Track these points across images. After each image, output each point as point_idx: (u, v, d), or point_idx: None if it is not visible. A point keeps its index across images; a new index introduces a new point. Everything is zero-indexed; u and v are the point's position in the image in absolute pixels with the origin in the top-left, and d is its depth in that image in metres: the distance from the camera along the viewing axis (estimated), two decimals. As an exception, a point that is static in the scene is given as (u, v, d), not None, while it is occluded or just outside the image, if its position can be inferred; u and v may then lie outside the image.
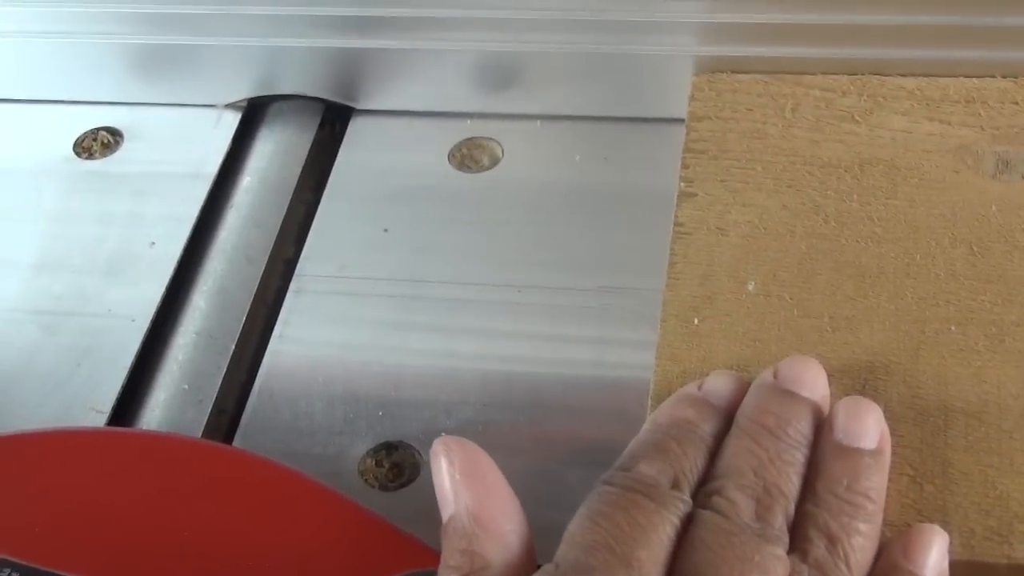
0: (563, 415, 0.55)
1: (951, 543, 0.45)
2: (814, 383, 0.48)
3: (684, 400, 0.48)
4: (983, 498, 0.47)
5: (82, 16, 0.67)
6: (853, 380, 0.50)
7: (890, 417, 0.48)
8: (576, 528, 0.44)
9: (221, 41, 0.66)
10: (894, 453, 0.48)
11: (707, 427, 0.47)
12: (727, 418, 0.48)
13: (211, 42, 0.67)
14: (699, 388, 0.49)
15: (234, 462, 0.52)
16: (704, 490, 0.45)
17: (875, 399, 0.49)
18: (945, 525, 0.46)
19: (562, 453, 0.54)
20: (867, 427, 0.46)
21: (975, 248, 0.54)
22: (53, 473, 0.52)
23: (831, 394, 0.48)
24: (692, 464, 0.46)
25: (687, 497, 0.45)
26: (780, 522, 0.44)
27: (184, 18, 0.66)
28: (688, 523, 0.44)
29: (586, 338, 0.57)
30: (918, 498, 0.47)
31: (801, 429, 0.46)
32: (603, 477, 0.46)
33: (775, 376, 0.48)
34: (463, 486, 0.45)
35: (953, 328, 0.51)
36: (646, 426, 0.48)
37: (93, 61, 0.69)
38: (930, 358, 0.51)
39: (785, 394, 0.47)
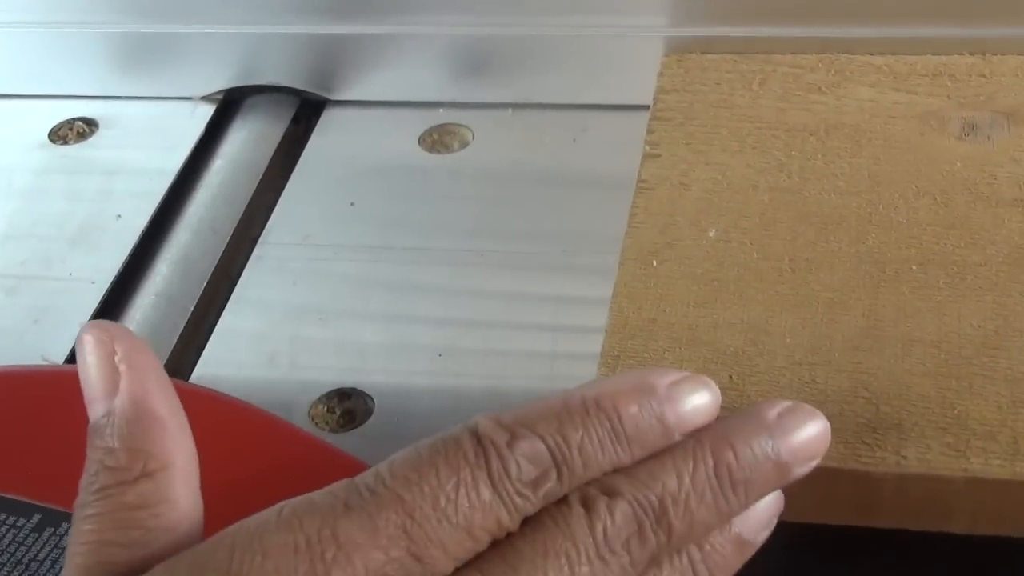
0: (519, 361, 0.54)
1: (906, 458, 0.44)
2: None
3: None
4: (941, 418, 0.45)
5: (62, 5, 0.67)
6: (812, 313, 0.49)
7: (847, 347, 0.48)
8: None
9: (199, 29, 0.67)
10: (851, 379, 0.46)
11: None
12: None
13: (189, 30, 0.67)
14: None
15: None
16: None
17: (833, 331, 0.48)
18: (902, 442, 0.45)
19: (517, 393, 0.53)
20: None
21: (938, 199, 0.53)
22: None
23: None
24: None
25: None
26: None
27: (162, 5, 0.66)
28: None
29: (545, 296, 0.57)
30: (873, 418, 0.45)
31: None
32: None
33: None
34: (128, 374, 0.36)
35: (914, 267, 0.51)
36: None
37: (71, 53, 0.69)
38: (890, 294, 0.50)
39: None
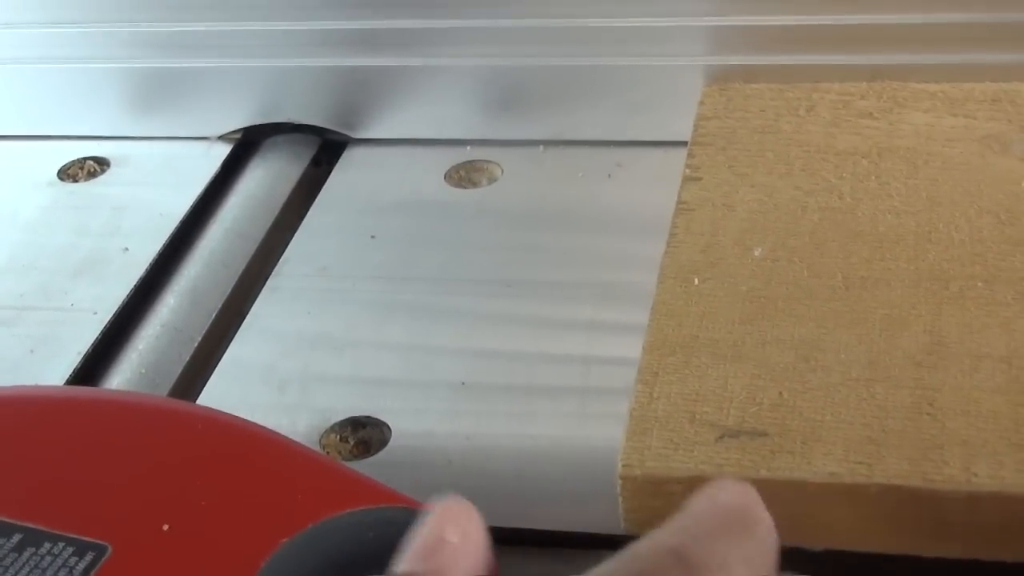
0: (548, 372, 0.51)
1: (977, 476, 0.40)
2: None
3: None
4: (1015, 434, 0.41)
5: (72, 40, 0.65)
6: (868, 329, 0.45)
7: (908, 363, 0.44)
8: None
9: (217, 63, 0.64)
10: (913, 395, 0.42)
11: None
12: None
13: (207, 64, 0.64)
14: None
15: (166, 413, 0.47)
16: None
17: (893, 347, 0.44)
18: (971, 458, 0.40)
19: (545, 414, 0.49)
20: None
21: (1003, 217, 0.49)
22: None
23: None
24: None
25: None
26: None
27: (181, 39, 0.64)
28: None
29: (576, 322, 0.53)
30: (939, 434, 0.41)
31: None
32: None
33: None
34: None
35: (980, 284, 0.47)
36: None
37: (82, 91, 0.66)
38: (954, 311, 0.46)
39: None
